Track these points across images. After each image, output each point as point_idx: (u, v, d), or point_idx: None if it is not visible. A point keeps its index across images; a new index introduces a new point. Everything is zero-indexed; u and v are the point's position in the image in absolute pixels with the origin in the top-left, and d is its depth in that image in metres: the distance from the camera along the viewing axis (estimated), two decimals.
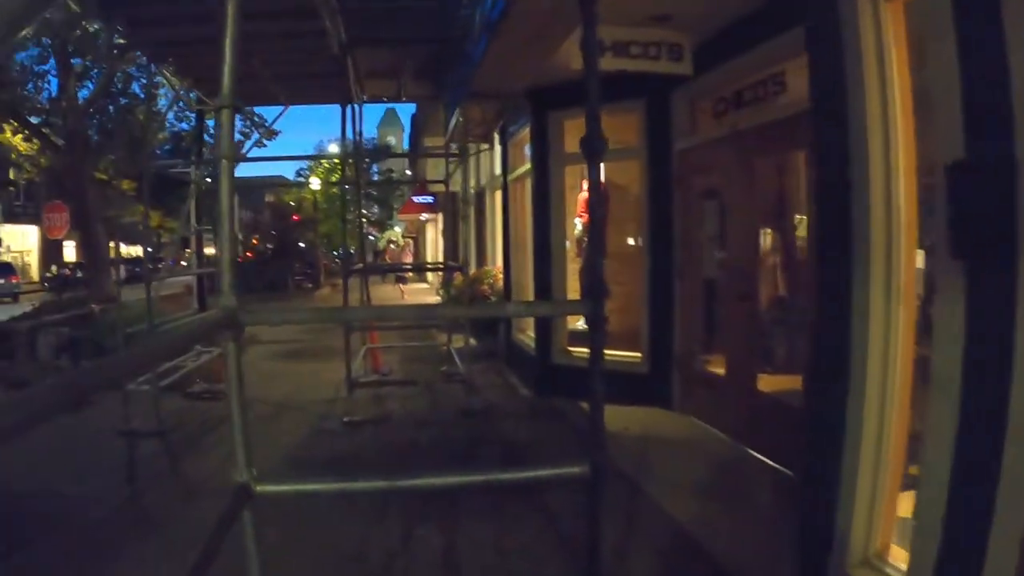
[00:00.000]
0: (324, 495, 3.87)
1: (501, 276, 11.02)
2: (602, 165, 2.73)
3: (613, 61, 5.77)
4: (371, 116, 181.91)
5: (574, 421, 7.25)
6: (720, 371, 6.37)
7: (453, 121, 8.63)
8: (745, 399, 5.89)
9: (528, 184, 8.94)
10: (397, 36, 7.65)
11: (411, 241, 44.46)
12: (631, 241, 9.57)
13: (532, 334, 9.16)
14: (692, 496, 5.14)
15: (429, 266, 24.19)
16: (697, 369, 6.91)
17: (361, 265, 10.63)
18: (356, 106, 9.77)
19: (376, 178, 52.86)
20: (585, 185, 9.39)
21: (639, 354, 7.59)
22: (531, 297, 9.13)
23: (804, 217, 5.69)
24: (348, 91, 8.57)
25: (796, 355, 5.73)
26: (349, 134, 9.20)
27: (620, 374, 7.66)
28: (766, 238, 6.14)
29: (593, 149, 2.62)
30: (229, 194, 2.63)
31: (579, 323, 9.39)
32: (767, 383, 5.88)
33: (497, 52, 6.06)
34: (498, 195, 11.26)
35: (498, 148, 11.07)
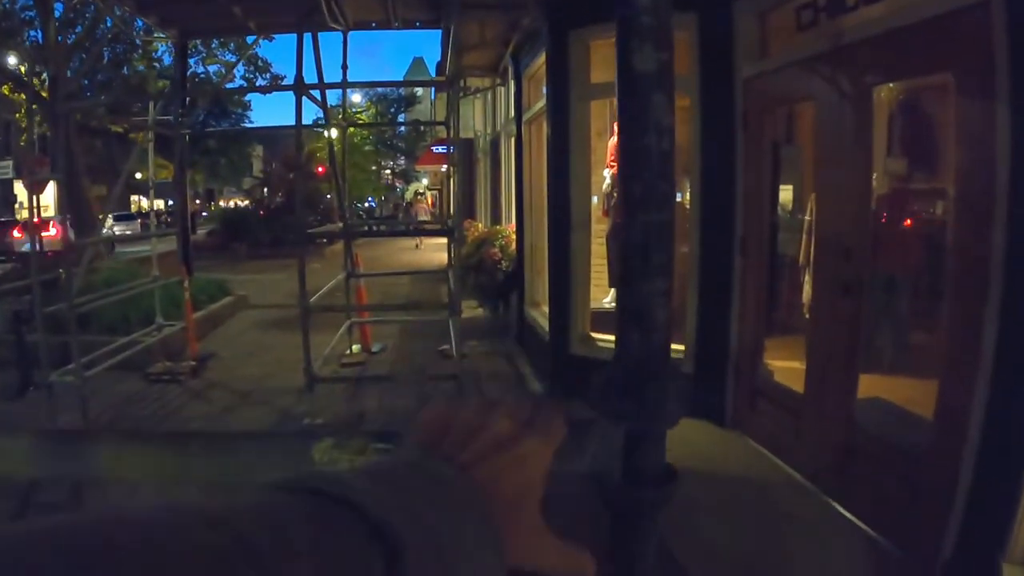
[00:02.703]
0: None
1: (515, 237, 9.27)
2: None
3: None
4: (399, 67, 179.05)
5: (600, 443, 5.54)
6: (796, 385, 4.57)
7: (449, 46, 6.79)
8: (832, 431, 4.11)
9: (545, 126, 7.13)
10: None
11: (433, 194, 42.71)
12: (678, 198, 7.79)
13: (547, 310, 7.46)
14: None
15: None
16: (761, 378, 5.13)
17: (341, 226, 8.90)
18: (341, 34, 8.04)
19: (403, 130, 51.03)
20: (616, 127, 7.60)
21: (682, 347, 5.81)
22: (546, 265, 7.39)
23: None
24: (317, 10, 6.74)
25: (922, 373, 3.98)
26: (327, 68, 7.44)
27: None
28: (884, 202, 4.33)
29: None
30: None
31: (605, 300, 7.68)
32: (868, 410, 4.13)
33: None
34: (513, 142, 9.45)
35: (512, 85, 9.22)
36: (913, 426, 3.76)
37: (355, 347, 9.18)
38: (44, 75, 15.75)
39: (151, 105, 9.10)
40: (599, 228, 7.83)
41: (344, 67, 8.24)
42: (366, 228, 11.88)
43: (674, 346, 5.57)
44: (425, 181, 49.38)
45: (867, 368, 4.23)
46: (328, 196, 50.68)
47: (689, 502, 4.36)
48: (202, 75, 21.68)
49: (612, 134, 7.52)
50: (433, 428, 0.56)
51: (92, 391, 7.41)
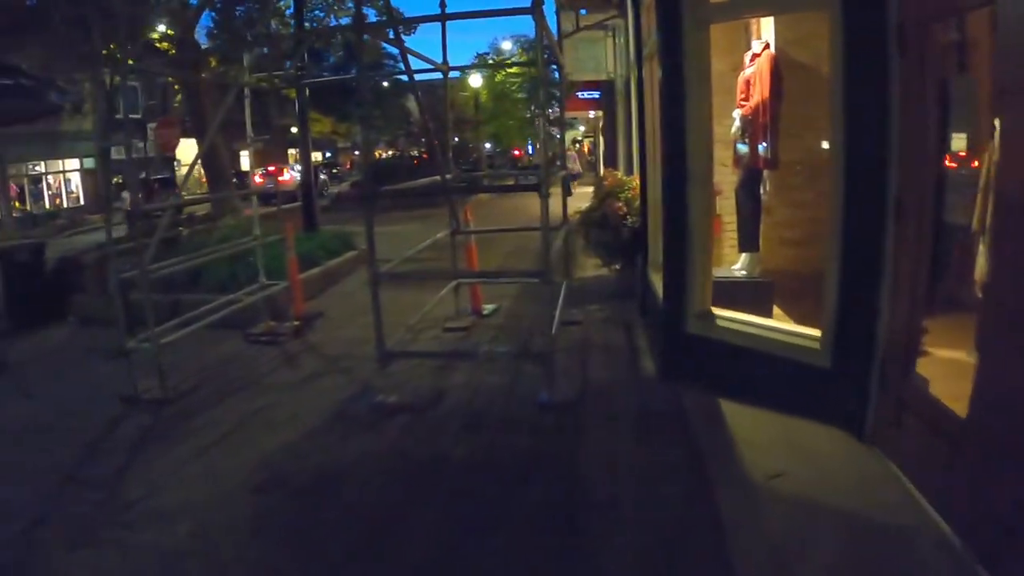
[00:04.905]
0: None
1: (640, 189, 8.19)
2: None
3: None
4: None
5: (707, 451, 4.47)
6: (958, 403, 3.33)
7: None
8: (1003, 477, 2.90)
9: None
10: None
11: (589, 142, 41.38)
12: (818, 144, 6.48)
13: None
14: None
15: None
16: (914, 385, 3.89)
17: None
18: None
19: (557, 76, 49.63)
20: (747, 58, 6.32)
21: (817, 332, 4.64)
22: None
23: None
24: None
25: None
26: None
27: (783, 361, 4.83)
28: None
29: None
30: None
31: (735, 267, 6.54)
32: None
33: None
34: (634, 83, 8.33)
35: (631, 17, 8.05)
36: None
37: (467, 309, 8.52)
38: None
39: (245, 57, 8.56)
40: (732, 180, 6.66)
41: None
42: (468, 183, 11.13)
43: (809, 331, 4.40)
44: (582, 128, 47.96)
45: None
46: (487, 145, 50.32)
47: (793, 539, 3.32)
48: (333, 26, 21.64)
49: (743, 66, 6.28)
50: None
51: (188, 352, 7.30)
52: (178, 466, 4.88)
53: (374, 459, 4.76)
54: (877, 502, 3.57)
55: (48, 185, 33.38)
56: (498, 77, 41.35)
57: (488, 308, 8.66)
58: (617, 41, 12.50)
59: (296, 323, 8.44)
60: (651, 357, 6.46)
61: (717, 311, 5.53)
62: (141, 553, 3.79)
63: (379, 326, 5.81)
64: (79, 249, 12.05)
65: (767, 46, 6.12)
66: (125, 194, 24.39)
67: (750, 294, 6.04)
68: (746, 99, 6.15)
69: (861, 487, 3.74)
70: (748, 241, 6.44)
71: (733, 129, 6.25)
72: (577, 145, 48.86)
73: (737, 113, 6.22)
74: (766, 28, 6.47)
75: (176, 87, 20.02)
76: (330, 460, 4.81)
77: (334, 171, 45.21)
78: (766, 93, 5.92)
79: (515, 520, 3.86)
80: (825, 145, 6.38)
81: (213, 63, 17.94)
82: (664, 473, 4.25)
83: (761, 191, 6.39)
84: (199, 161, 14.50)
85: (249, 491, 4.44)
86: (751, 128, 6.09)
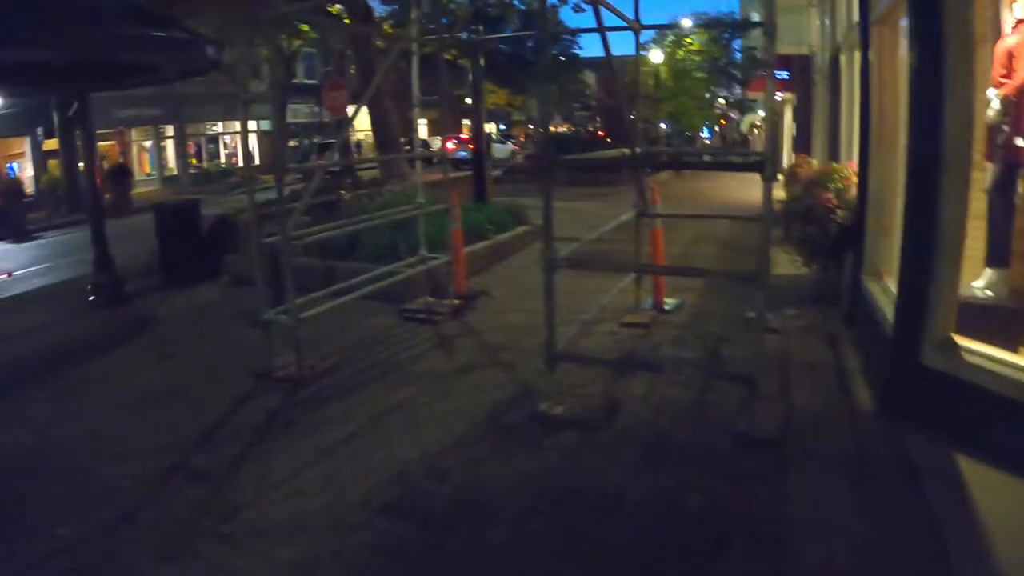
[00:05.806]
0: None
1: (856, 179, 7.04)
2: None
3: None
4: None
5: (948, 526, 3.47)
6: None
7: None
8: None
9: (900, 30, 4.92)
10: None
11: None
12: None
13: (891, 287, 5.35)
14: None
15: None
16: None
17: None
18: None
19: (738, 56, 47.70)
20: (1008, 26, 5.07)
21: None
22: (897, 220, 5.24)
23: None
24: None
25: None
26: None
27: None
28: None
29: None
30: None
31: (976, 284, 5.38)
32: None
33: None
34: (857, 54, 7.19)
35: None
36: None
37: (648, 301, 7.65)
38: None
39: (412, 16, 8.07)
40: (978, 177, 5.46)
41: None
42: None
43: None
44: (761, 112, 45.68)
45: None
46: (662, 124, 49.19)
47: None
48: None
49: (1002, 35, 5.05)
50: None
51: (336, 324, 6.93)
52: (298, 466, 4.41)
53: (530, 489, 4.05)
54: None
55: (225, 144, 35.09)
56: (679, 54, 40.15)
57: (670, 303, 7.77)
58: (823, 12, 11.21)
59: (456, 301, 7.91)
60: (864, 383, 5.42)
61: (961, 340, 4.47)
62: None
63: (551, 323, 5.10)
64: (236, 208, 12.12)
65: None
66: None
67: (995, 321, 4.86)
68: (1007, 76, 4.95)
69: None
70: (998, 254, 5.23)
71: (990, 112, 5.06)
72: (756, 131, 46.69)
73: (994, 92, 5.02)
74: None
75: (350, 53, 20.30)
76: (475, 483, 4.16)
77: (509, 141, 44.90)
78: None
79: None
80: None
81: (388, 29, 17.99)
82: (896, 555, 3.30)
83: (1016, 193, 5.17)
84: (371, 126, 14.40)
85: (373, 511, 3.87)
86: (1014, 112, 4.90)
